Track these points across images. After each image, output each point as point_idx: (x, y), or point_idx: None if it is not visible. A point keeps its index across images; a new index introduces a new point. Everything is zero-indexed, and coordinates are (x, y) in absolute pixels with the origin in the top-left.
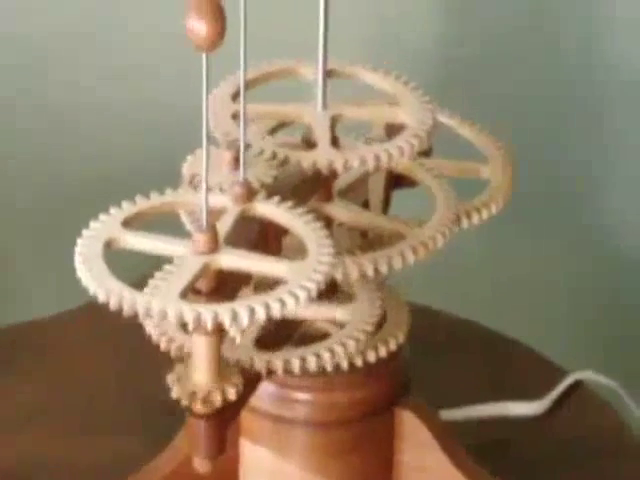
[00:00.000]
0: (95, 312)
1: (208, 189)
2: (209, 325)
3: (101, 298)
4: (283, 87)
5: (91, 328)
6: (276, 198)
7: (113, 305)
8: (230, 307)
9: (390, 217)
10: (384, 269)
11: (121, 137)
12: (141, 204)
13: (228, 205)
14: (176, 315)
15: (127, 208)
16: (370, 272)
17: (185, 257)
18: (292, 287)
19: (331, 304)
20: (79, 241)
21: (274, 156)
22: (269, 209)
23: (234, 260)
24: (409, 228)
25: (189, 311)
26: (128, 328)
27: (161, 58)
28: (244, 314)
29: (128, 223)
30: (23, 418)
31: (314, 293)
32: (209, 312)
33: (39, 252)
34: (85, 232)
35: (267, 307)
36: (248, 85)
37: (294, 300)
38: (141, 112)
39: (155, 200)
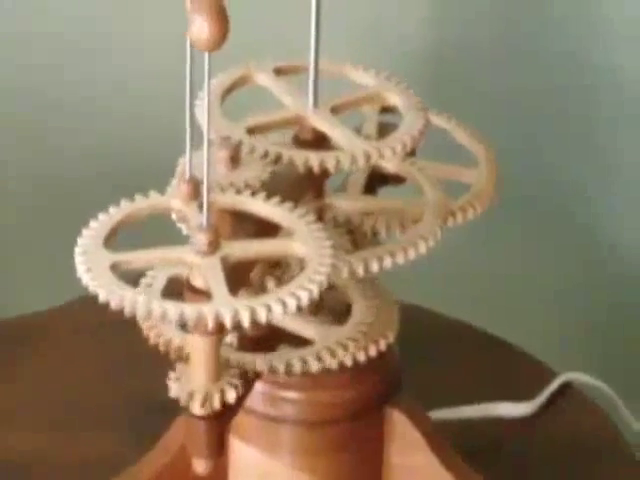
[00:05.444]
0: (82, 308)
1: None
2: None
3: (114, 305)
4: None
5: (78, 324)
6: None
7: (130, 312)
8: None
9: (395, 199)
10: (388, 263)
11: (114, 134)
12: (127, 208)
13: (176, 205)
14: (247, 315)
15: (113, 213)
16: (375, 268)
17: (198, 260)
18: (317, 267)
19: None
20: (78, 245)
21: (278, 158)
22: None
23: (249, 248)
24: (426, 199)
25: (260, 308)
26: (115, 325)
27: (152, 58)
28: (303, 294)
29: (116, 230)
30: (8, 414)
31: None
32: (270, 304)
33: (32, 248)
34: (80, 241)
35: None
36: (225, 93)
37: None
38: (132, 110)
39: (139, 204)
